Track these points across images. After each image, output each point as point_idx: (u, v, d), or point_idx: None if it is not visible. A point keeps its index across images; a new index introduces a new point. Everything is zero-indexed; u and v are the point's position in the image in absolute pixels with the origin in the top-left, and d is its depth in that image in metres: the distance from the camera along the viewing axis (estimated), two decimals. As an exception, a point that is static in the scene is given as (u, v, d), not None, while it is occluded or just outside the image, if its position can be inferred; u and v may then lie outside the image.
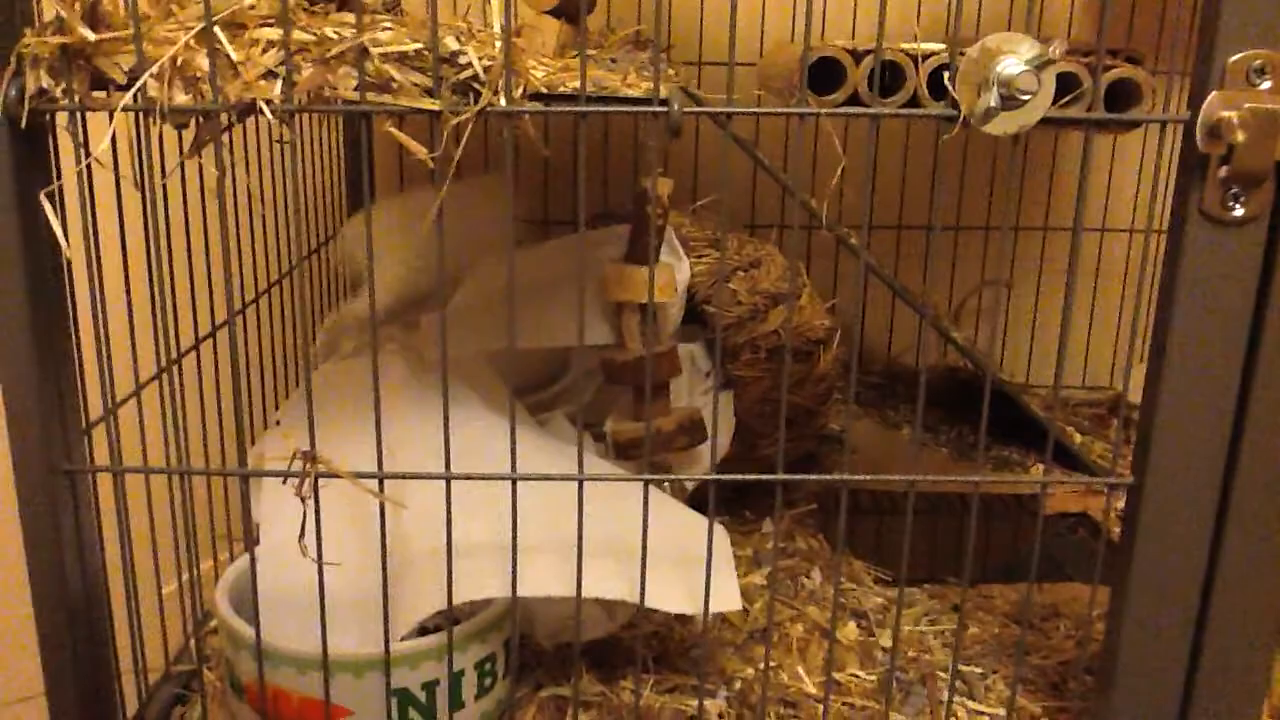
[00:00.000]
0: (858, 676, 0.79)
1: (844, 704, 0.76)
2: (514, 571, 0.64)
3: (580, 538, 0.63)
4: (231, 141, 0.86)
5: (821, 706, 0.74)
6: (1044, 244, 1.36)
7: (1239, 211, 0.57)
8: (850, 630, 0.85)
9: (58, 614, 0.63)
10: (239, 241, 0.88)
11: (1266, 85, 0.55)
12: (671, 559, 0.72)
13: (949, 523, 1.07)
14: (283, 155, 0.57)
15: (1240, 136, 0.55)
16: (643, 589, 0.65)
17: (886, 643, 0.83)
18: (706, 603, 0.65)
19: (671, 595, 0.71)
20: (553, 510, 0.71)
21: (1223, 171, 0.56)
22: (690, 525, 0.77)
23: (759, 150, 1.03)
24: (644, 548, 0.63)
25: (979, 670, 0.80)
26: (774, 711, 0.75)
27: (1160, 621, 0.64)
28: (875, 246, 1.34)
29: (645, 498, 0.62)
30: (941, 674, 0.79)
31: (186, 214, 0.75)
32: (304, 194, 1.10)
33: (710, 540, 0.64)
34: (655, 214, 0.71)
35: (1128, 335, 0.62)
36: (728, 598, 0.72)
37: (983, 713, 0.75)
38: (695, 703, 0.74)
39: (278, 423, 0.89)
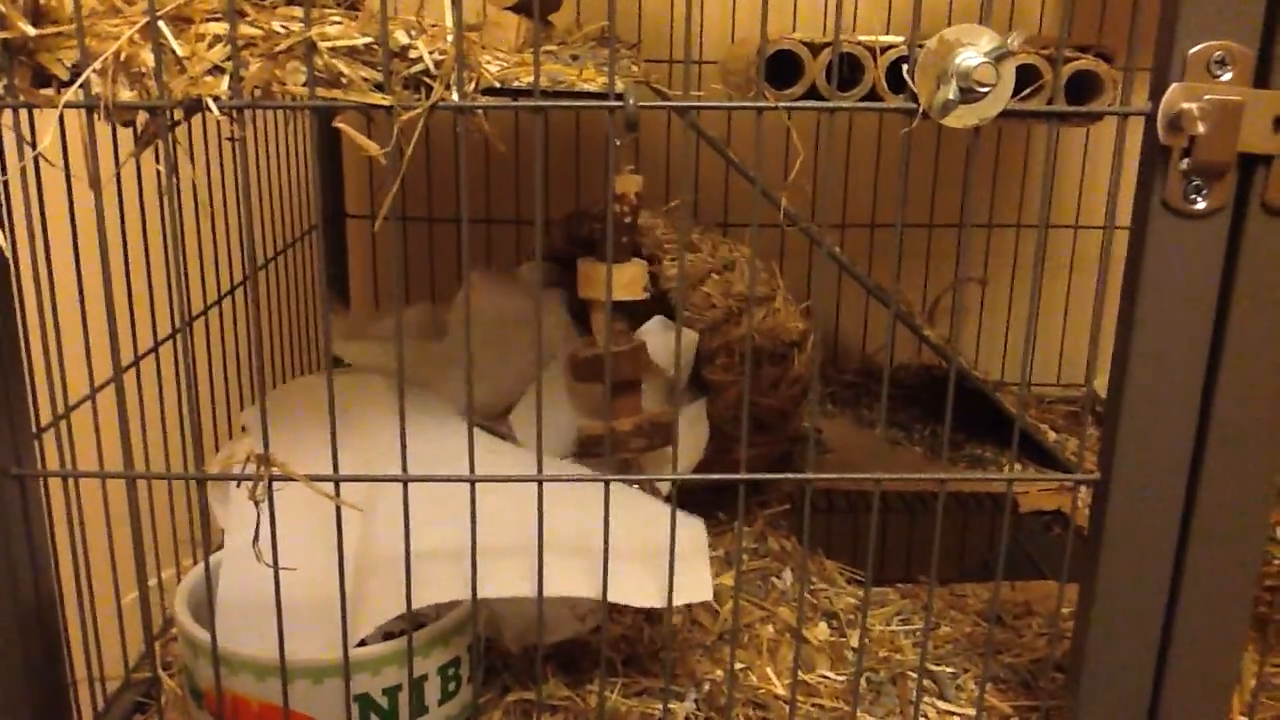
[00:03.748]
0: (828, 677, 0.78)
1: (813, 705, 0.75)
2: (474, 573, 0.63)
3: (540, 539, 0.62)
4: (191, 140, 0.85)
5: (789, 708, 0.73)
6: (1017, 240, 1.36)
7: (1201, 204, 0.56)
8: (821, 631, 0.84)
9: (9, 623, 0.62)
10: (200, 243, 0.87)
11: (1227, 77, 0.55)
12: (641, 554, 0.71)
13: (925, 522, 1.06)
14: (233, 153, 0.56)
15: (1201, 128, 0.54)
16: (605, 584, 0.64)
17: (858, 643, 0.82)
18: (670, 595, 0.64)
19: (641, 589, 0.70)
20: (524, 515, 0.70)
21: (1184, 164, 0.56)
22: (662, 520, 0.76)
23: (731, 149, 1.02)
24: (605, 547, 0.62)
25: (950, 670, 0.79)
26: (743, 714, 0.74)
27: (1128, 617, 0.64)
28: (849, 245, 1.33)
29: (606, 499, 0.61)
30: (912, 674, 0.78)
31: (144, 214, 0.74)
32: (268, 193, 1.09)
33: (673, 535, 0.63)
34: (620, 211, 0.71)
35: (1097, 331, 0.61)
36: (699, 588, 0.71)
37: (953, 712, 0.75)
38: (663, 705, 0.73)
39: (243, 429, 0.88)
